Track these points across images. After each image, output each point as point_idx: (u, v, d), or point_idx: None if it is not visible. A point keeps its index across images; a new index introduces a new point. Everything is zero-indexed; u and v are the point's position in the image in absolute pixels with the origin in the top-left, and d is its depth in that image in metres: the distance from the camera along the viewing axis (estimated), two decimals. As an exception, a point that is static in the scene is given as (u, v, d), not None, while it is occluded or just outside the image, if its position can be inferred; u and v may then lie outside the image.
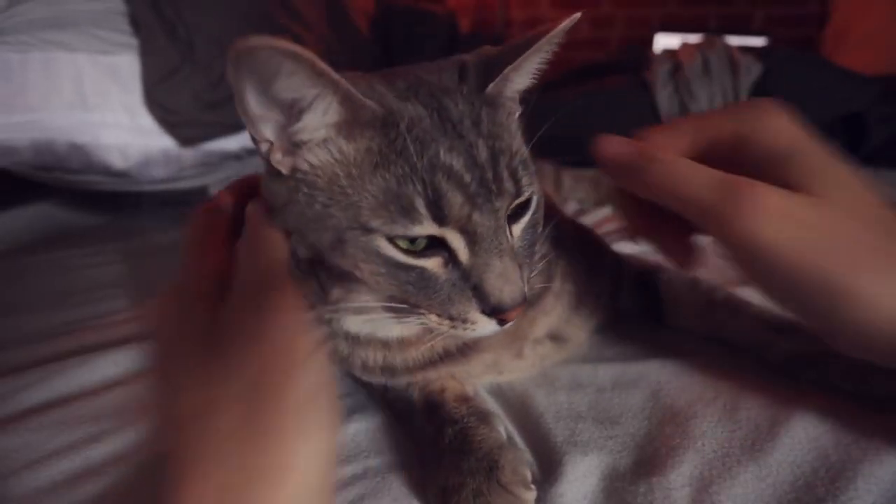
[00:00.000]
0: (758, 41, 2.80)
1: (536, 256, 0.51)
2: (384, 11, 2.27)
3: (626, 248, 1.03)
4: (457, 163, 0.42)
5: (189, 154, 1.26)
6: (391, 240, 0.42)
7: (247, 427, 0.35)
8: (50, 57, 1.14)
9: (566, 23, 0.45)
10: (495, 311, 0.44)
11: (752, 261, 0.43)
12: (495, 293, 0.43)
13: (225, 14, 1.27)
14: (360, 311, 0.50)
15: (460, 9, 3.31)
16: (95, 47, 1.17)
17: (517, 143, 0.47)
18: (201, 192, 1.43)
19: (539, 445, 0.55)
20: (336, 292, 0.49)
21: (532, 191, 0.47)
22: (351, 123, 0.42)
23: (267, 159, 0.44)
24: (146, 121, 1.20)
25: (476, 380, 0.62)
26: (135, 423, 0.59)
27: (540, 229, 0.50)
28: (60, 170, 1.21)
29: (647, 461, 0.52)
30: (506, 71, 0.45)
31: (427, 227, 0.42)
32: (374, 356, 0.55)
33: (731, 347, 0.68)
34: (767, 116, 0.47)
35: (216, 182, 1.42)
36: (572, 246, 0.66)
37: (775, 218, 0.41)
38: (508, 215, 0.45)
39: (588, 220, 1.28)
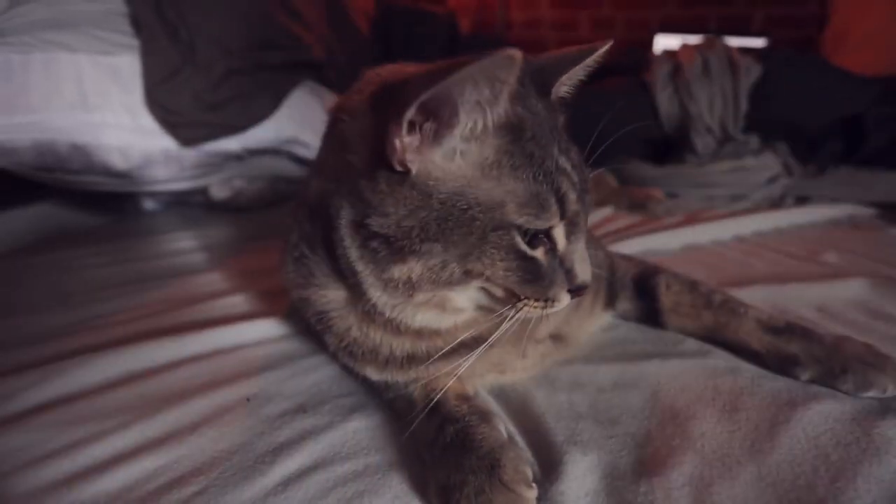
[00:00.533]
0: (757, 42, 2.80)
1: None
2: (384, 12, 2.27)
3: (625, 248, 1.04)
4: (567, 165, 0.49)
5: (190, 154, 1.26)
6: (523, 235, 0.48)
7: None
8: (51, 57, 1.14)
9: (606, 45, 0.53)
10: (579, 289, 0.52)
11: None
12: (581, 274, 0.51)
13: (226, 16, 1.27)
14: (443, 307, 0.53)
15: (461, 9, 3.31)
16: (96, 48, 1.17)
17: None
18: (202, 192, 1.43)
19: (540, 445, 0.55)
20: (424, 296, 0.51)
21: None
22: (485, 129, 0.46)
23: (399, 159, 0.46)
24: (147, 121, 1.20)
25: (479, 379, 0.63)
26: (133, 422, 0.59)
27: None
28: (61, 170, 1.21)
29: (647, 461, 0.52)
30: (562, 78, 0.53)
31: (553, 221, 0.48)
32: (403, 345, 0.57)
33: (729, 349, 0.69)
34: None
35: (217, 182, 1.42)
36: None
37: None
38: None
39: (590, 220, 1.28)
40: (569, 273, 0.51)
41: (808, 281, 0.89)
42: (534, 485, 0.48)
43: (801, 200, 1.40)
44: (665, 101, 1.61)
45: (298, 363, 0.70)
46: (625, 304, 0.76)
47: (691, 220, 1.26)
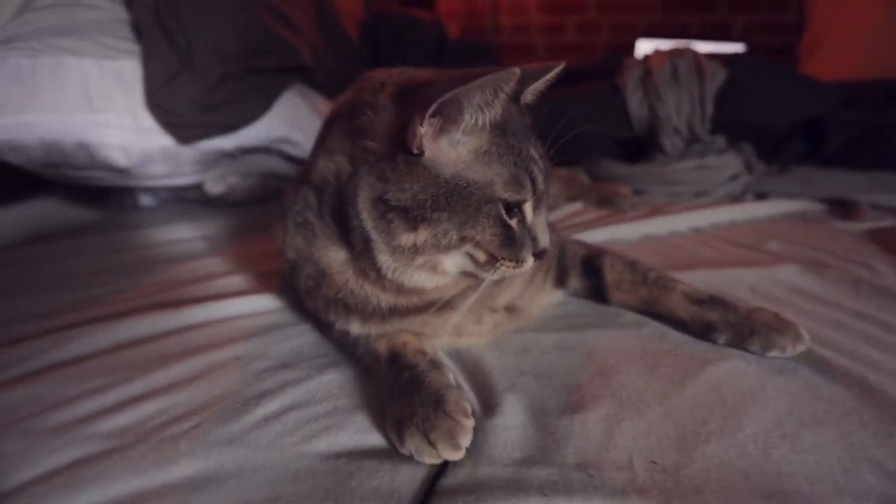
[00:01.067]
0: (737, 47, 2.89)
1: None
2: (373, 18, 2.36)
3: (589, 237, 1.13)
4: (536, 155, 0.63)
5: (187, 152, 1.35)
6: (506, 207, 0.61)
7: None
8: (58, 62, 1.22)
9: (560, 65, 0.66)
10: (541, 254, 0.64)
11: None
12: (542, 241, 0.65)
13: (221, 24, 1.35)
14: (434, 268, 0.64)
15: (450, 15, 3.40)
16: (101, 53, 1.25)
17: None
18: (198, 188, 1.52)
19: (484, 392, 0.65)
20: (423, 258, 0.62)
21: None
22: (482, 126, 0.59)
23: (417, 143, 0.57)
24: (147, 121, 1.28)
25: (438, 340, 0.73)
26: (138, 376, 0.69)
27: None
28: (67, 166, 1.29)
29: (572, 403, 0.62)
30: (531, 87, 0.66)
31: (527, 196, 0.62)
32: (388, 299, 0.68)
33: (662, 320, 0.79)
34: None
35: (212, 178, 1.51)
36: None
37: None
38: None
39: (560, 213, 1.38)
40: (534, 240, 0.64)
41: (747, 266, 0.99)
42: (471, 416, 0.58)
43: (761, 197, 1.50)
44: (635, 104, 1.71)
45: (284, 331, 0.80)
46: (574, 281, 0.86)
47: (653, 213, 1.36)
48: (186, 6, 1.32)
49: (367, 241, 0.61)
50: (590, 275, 0.85)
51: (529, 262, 0.64)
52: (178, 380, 0.69)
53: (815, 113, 1.70)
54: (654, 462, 0.53)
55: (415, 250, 0.60)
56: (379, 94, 0.61)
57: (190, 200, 1.58)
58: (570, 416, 0.59)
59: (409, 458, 0.55)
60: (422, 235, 0.59)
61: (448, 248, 0.61)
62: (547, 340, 0.75)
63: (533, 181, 0.62)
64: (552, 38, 3.52)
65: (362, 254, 0.63)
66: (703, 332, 0.74)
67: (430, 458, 0.54)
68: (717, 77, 1.69)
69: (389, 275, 0.63)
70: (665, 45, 1.87)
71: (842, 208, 1.37)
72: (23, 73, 1.20)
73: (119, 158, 1.29)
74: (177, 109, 1.30)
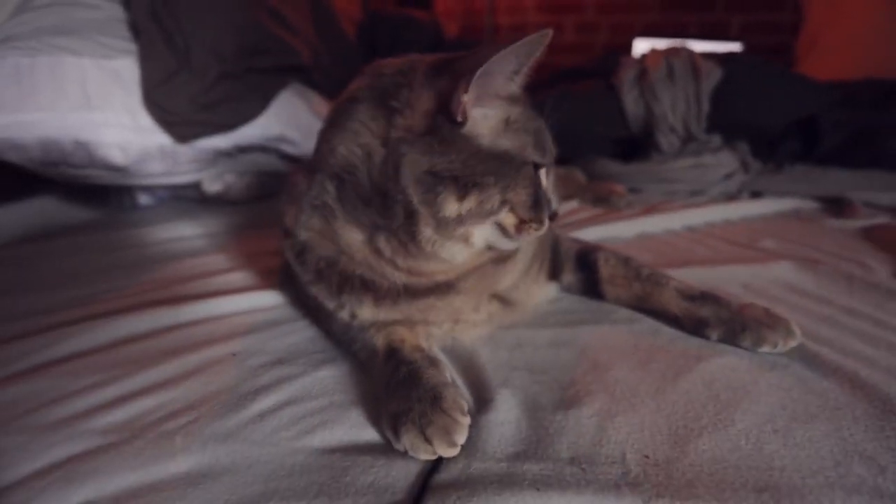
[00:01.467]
0: (734, 46, 2.89)
1: None
2: (370, 17, 2.37)
3: (585, 234, 1.14)
4: (543, 126, 0.68)
5: (184, 151, 1.35)
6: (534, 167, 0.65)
7: None
8: (57, 61, 1.22)
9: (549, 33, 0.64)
10: (553, 216, 0.70)
11: None
12: (555, 203, 0.70)
13: (219, 24, 1.35)
14: (467, 240, 0.65)
15: (448, 15, 3.40)
16: (99, 52, 1.25)
17: None
18: (195, 186, 1.52)
19: (478, 387, 0.66)
20: (463, 229, 0.63)
21: None
22: (508, 97, 0.64)
23: (461, 111, 0.59)
24: (145, 120, 1.28)
25: (436, 329, 0.73)
26: (136, 372, 0.69)
27: None
28: (65, 165, 1.30)
29: (565, 398, 0.63)
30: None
31: (547, 159, 0.67)
32: (400, 277, 0.69)
33: (655, 316, 0.79)
34: None
35: (209, 177, 1.51)
36: None
37: None
38: None
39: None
40: (548, 202, 0.69)
41: (741, 263, 1.00)
42: (468, 414, 0.58)
43: (756, 195, 1.51)
44: (631, 103, 1.72)
45: (281, 327, 0.81)
46: (568, 276, 0.87)
47: (648, 211, 1.37)
48: (184, 6, 1.33)
49: (410, 215, 0.62)
50: (584, 269, 0.86)
51: (546, 224, 0.67)
52: (175, 376, 0.69)
53: (811, 112, 1.70)
54: (646, 456, 0.54)
55: (459, 220, 0.62)
56: (411, 73, 0.63)
57: (187, 199, 1.59)
58: (563, 412, 0.60)
59: (404, 454, 0.56)
60: (468, 203, 0.61)
61: (489, 214, 0.63)
62: (540, 336, 0.76)
63: (548, 146, 0.68)
64: (550, 38, 3.52)
65: (400, 229, 0.64)
66: (695, 328, 0.75)
67: (426, 454, 0.55)
68: (713, 76, 1.70)
69: (428, 248, 0.64)
70: (662, 44, 1.88)
71: (836, 206, 1.38)
72: (21, 72, 1.21)
73: (117, 157, 1.29)
74: (174, 108, 1.31)
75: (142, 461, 0.55)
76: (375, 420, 0.61)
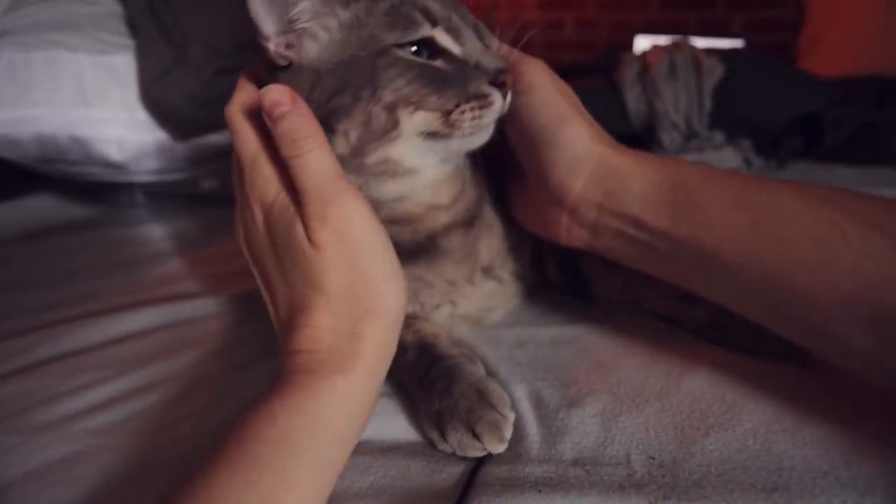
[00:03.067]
0: (736, 44, 2.88)
1: None
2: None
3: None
4: None
5: (182, 147, 1.34)
6: (405, 49, 0.54)
7: (351, 287, 0.50)
8: (53, 56, 1.22)
9: None
10: (497, 76, 0.56)
11: (535, 87, 0.61)
12: (491, 64, 0.56)
13: (216, 19, 1.35)
14: (395, 172, 0.59)
15: (448, 12, 3.39)
16: (95, 48, 1.25)
17: None
18: (193, 182, 1.51)
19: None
20: (374, 156, 0.57)
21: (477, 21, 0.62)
22: (337, 2, 0.54)
23: (278, 56, 0.54)
24: (142, 116, 1.27)
25: (436, 312, 0.72)
26: (130, 371, 0.68)
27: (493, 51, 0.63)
28: (61, 161, 1.29)
29: (569, 397, 0.61)
30: None
31: (426, 29, 0.55)
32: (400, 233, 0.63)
33: (651, 316, 0.78)
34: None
35: (207, 173, 1.50)
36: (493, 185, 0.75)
37: (546, 68, 0.63)
38: None
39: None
40: (478, 67, 0.56)
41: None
42: (513, 410, 0.57)
43: (759, 192, 1.50)
44: (633, 100, 1.70)
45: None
46: (553, 273, 0.83)
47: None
48: (181, 1, 1.31)
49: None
50: (569, 267, 0.82)
51: (494, 93, 0.56)
52: (172, 375, 0.68)
53: (813, 109, 1.69)
54: (652, 457, 0.52)
55: (358, 151, 0.56)
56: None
57: (185, 195, 1.58)
58: (566, 412, 0.59)
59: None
60: (350, 132, 0.55)
61: (387, 132, 0.55)
62: (542, 335, 0.75)
63: (426, 11, 0.55)
64: (551, 35, 3.52)
65: None
66: (694, 327, 0.73)
67: (474, 452, 0.53)
68: (715, 72, 1.68)
69: (364, 191, 0.58)
70: (663, 41, 1.87)
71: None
72: (17, 67, 1.20)
73: (114, 153, 1.28)
74: (172, 104, 1.30)
75: (139, 461, 0.54)
76: (414, 417, 0.60)
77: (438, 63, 0.56)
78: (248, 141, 0.55)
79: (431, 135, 0.57)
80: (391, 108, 0.54)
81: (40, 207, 1.47)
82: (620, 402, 0.60)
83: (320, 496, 0.45)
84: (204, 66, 1.32)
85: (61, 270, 1.03)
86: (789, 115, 1.69)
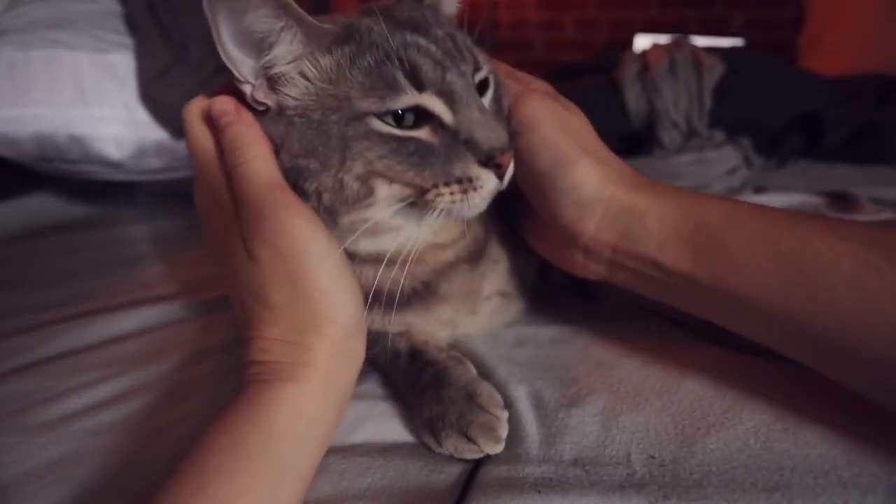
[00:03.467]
0: (736, 42, 2.88)
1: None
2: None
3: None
4: (422, 40, 0.50)
5: (182, 146, 1.33)
6: (383, 119, 0.48)
7: (293, 300, 0.48)
8: (52, 55, 1.21)
9: None
10: (490, 157, 0.49)
11: (533, 127, 0.57)
12: (485, 140, 0.49)
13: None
14: (375, 232, 0.54)
15: (448, 11, 3.38)
16: (94, 46, 1.24)
17: (465, 35, 0.57)
18: (192, 182, 1.50)
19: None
20: (348, 218, 0.52)
21: (489, 71, 0.56)
22: (319, 45, 0.49)
23: (254, 101, 0.51)
24: (141, 115, 1.27)
25: (441, 334, 0.70)
26: (129, 370, 0.68)
27: (505, 107, 0.58)
28: (60, 160, 1.28)
29: (569, 396, 0.61)
30: None
31: (411, 97, 0.48)
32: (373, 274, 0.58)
33: (652, 315, 0.77)
34: (540, 80, 0.64)
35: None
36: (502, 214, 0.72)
37: (549, 103, 0.58)
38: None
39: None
40: (469, 143, 0.49)
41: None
42: (505, 409, 0.57)
43: (760, 191, 1.49)
44: (633, 98, 1.70)
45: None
46: (558, 275, 0.82)
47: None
48: (180, -1, 1.31)
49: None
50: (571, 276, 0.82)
51: (484, 176, 0.50)
52: (170, 374, 0.68)
53: (814, 107, 1.69)
54: (652, 457, 0.52)
55: (330, 212, 0.52)
56: None
57: (184, 195, 1.57)
58: (566, 411, 0.58)
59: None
60: (321, 196, 0.51)
61: (360, 200, 0.51)
62: (542, 334, 0.74)
63: (414, 71, 0.48)
64: (550, 35, 3.52)
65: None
66: (696, 327, 0.73)
67: (471, 454, 0.53)
68: (715, 71, 1.68)
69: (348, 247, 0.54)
70: (663, 40, 1.86)
71: (841, 201, 1.36)
72: (15, 66, 1.20)
73: (113, 152, 1.28)
74: (171, 103, 1.29)
75: (137, 461, 0.54)
76: (411, 428, 0.59)
77: (422, 133, 0.50)
78: (201, 142, 0.54)
79: (412, 204, 0.52)
80: (364, 179, 0.50)
81: (39, 206, 1.46)
82: (621, 402, 0.60)
83: (286, 500, 0.45)
84: (204, 65, 1.32)
85: (60, 269, 1.03)
86: (789, 114, 1.69)
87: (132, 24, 1.30)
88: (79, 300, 0.88)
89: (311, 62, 0.49)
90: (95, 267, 1.04)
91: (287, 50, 0.49)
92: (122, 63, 1.26)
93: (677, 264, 0.54)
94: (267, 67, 0.49)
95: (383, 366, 0.67)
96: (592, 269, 0.62)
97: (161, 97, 1.28)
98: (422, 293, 0.64)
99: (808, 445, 0.52)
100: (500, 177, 0.52)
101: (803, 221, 0.49)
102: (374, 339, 0.65)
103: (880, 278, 0.43)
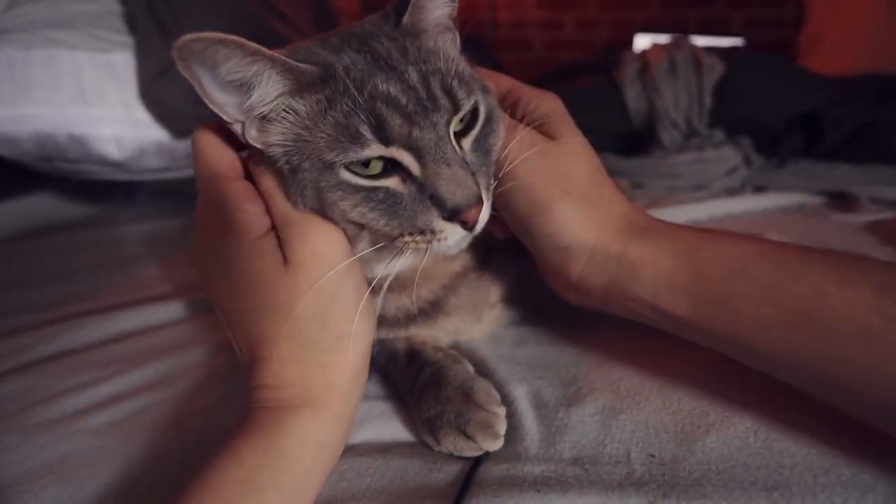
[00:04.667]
0: (736, 42, 2.87)
1: (493, 168, 0.55)
2: (369, 13, 2.35)
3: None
4: (393, 89, 0.47)
5: (182, 146, 1.33)
6: (350, 169, 0.48)
7: (325, 310, 0.48)
8: (51, 54, 1.21)
9: None
10: (454, 214, 0.48)
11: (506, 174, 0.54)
12: (449, 197, 0.48)
13: (216, 18, 1.34)
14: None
15: (448, 10, 3.38)
16: (94, 46, 1.24)
17: (450, 63, 0.52)
18: (192, 182, 1.50)
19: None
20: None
21: (475, 101, 0.52)
22: (296, 88, 0.48)
23: (245, 141, 0.51)
24: (141, 114, 1.27)
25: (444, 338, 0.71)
26: (129, 369, 0.68)
27: (496, 140, 0.55)
28: (60, 160, 1.28)
29: (569, 395, 0.61)
30: (413, 1, 0.52)
31: (375, 149, 0.47)
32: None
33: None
34: (548, 96, 0.60)
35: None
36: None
37: (525, 144, 0.54)
38: (458, 131, 0.51)
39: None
40: (434, 198, 0.48)
41: (745, 257, 0.98)
42: (502, 405, 0.57)
43: (760, 190, 1.49)
44: (633, 98, 1.70)
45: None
46: None
47: (650, 205, 1.35)
48: (180, -2, 1.31)
49: None
50: None
51: (448, 230, 0.49)
52: (170, 374, 0.68)
53: (814, 107, 1.69)
54: (652, 455, 0.52)
55: None
56: None
57: (184, 194, 1.57)
58: (566, 410, 0.58)
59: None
60: None
61: (351, 237, 0.52)
62: (543, 333, 0.74)
63: (381, 126, 0.47)
64: (550, 34, 3.51)
65: None
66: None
67: (471, 452, 0.53)
68: (715, 70, 1.68)
69: None
70: (663, 39, 1.86)
71: (841, 201, 1.36)
72: (15, 65, 1.20)
73: (113, 152, 1.28)
74: (171, 102, 1.29)
75: (138, 460, 0.54)
76: (411, 427, 0.59)
77: (392, 183, 0.49)
78: (211, 167, 0.54)
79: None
80: (347, 221, 0.51)
81: (39, 206, 1.46)
82: (621, 401, 0.60)
83: None
84: (203, 65, 1.32)
85: (60, 269, 1.03)
86: (789, 114, 1.69)
87: (132, 24, 1.29)
88: (79, 299, 0.88)
89: (288, 105, 0.49)
90: (95, 266, 1.04)
91: (266, 92, 0.48)
92: (122, 63, 1.26)
93: (676, 310, 0.52)
94: (250, 110, 0.49)
95: (382, 366, 0.68)
96: (588, 304, 0.60)
97: (161, 97, 1.28)
98: (428, 312, 0.64)
99: (807, 444, 0.52)
100: (469, 229, 0.50)
101: (811, 265, 0.46)
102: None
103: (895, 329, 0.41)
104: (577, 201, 0.54)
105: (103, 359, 0.71)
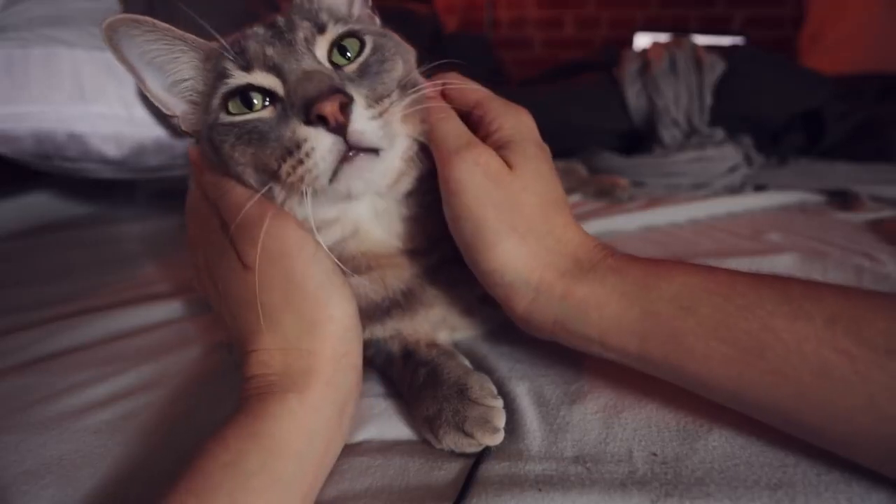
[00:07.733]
0: (736, 41, 2.87)
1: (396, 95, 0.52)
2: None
3: (588, 228, 1.12)
4: (259, 29, 0.53)
5: (181, 144, 1.33)
6: (230, 112, 0.51)
7: (289, 301, 0.49)
8: (50, 52, 1.21)
9: None
10: (306, 108, 0.45)
11: (454, 194, 0.52)
12: (300, 90, 0.47)
13: (216, 17, 1.34)
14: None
15: (449, 9, 3.38)
16: (93, 43, 1.23)
17: (324, 3, 0.57)
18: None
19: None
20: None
21: (350, 29, 0.54)
22: (202, 61, 0.54)
23: (182, 128, 0.55)
24: (140, 113, 1.27)
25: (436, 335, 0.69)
26: (129, 368, 0.68)
27: (391, 68, 0.53)
28: (59, 158, 1.27)
29: (571, 394, 0.61)
30: None
31: (238, 77, 0.50)
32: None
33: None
34: (514, 114, 0.57)
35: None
36: None
37: (480, 170, 0.51)
38: (343, 64, 0.52)
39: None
40: (292, 106, 0.47)
41: (746, 255, 0.98)
42: (499, 397, 0.57)
43: (760, 188, 1.49)
44: (633, 96, 1.70)
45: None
46: None
47: (652, 204, 1.35)
48: (180, -3, 1.31)
49: None
50: None
51: (310, 137, 0.46)
52: (170, 373, 0.67)
53: (814, 105, 1.69)
54: (654, 454, 0.52)
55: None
56: None
57: (183, 192, 1.57)
58: (568, 408, 0.58)
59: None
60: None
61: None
62: (544, 331, 0.74)
63: (243, 56, 0.51)
64: (550, 33, 3.51)
65: None
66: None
67: (472, 448, 0.53)
68: (716, 68, 1.68)
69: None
70: (664, 38, 1.86)
71: (841, 199, 1.36)
72: (14, 63, 1.19)
73: (111, 150, 1.27)
74: (170, 101, 1.29)
75: (138, 459, 0.54)
76: (411, 426, 0.59)
77: (264, 113, 0.50)
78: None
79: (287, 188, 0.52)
80: (241, 167, 0.52)
81: (38, 204, 1.46)
82: (623, 399, 0.59)
83: None
84: (202, 63, 1.31)
85: (59, 267, 1.03)
86: (790, 112, 1.69)
87: (131, 22, 1.29)
88: (78, 298, 0.88)
89: (195, 79, 0.54)
90: (95, 264, 1.04)
91: (184, 70, 0.54)
92: (120, 61, 1.26)
93: (626, 347, 0.51)
94: (178, 93, 0.54)
95: (381, 369, 0.68)
96: (538, 335, 0.58)
97: (160, 95, 1.28)
98: (403, 304, 0.63)
99: (810, 442, 0.52)
100: (336, 131, 0.46)
101: (760, 298, 0.45)
102: (368, 342, 0.65)
103: (849, 363, 0.40)
104: (523, 238, 0.52)
105: (102, 357, 0.70)
